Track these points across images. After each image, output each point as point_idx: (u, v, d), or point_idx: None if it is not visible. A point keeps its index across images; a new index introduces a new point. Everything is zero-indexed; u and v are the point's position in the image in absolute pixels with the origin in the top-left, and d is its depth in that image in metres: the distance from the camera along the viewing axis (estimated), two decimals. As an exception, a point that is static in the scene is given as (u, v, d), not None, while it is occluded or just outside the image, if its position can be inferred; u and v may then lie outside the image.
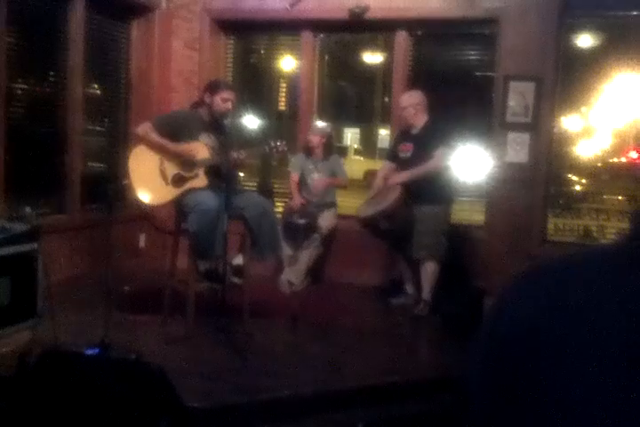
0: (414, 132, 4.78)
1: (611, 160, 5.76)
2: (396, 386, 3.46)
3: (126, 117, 5.82)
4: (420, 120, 4.75)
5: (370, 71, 6.74)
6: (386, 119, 6.91)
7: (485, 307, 4.15)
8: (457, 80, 5.53)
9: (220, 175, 3.95)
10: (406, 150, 4.78)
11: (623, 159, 5.78)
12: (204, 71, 5.84)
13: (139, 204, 4.28)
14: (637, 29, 5.13)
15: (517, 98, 5.12)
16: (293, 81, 6.27)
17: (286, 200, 5.73)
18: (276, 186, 6.02)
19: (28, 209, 3.75)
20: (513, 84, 5.13)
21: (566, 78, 5.21)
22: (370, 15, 5.39)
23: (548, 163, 5.21)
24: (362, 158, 14.57)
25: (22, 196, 4.54)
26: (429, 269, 4.73)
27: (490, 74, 5.36)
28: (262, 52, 6.53)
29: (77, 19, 4.99)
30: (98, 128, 5.82)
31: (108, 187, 3.92)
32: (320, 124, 5.73)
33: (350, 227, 5.27)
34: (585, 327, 0.54)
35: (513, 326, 0.58)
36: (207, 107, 4.14)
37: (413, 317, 4.65)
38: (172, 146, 4.03)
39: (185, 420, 2.75)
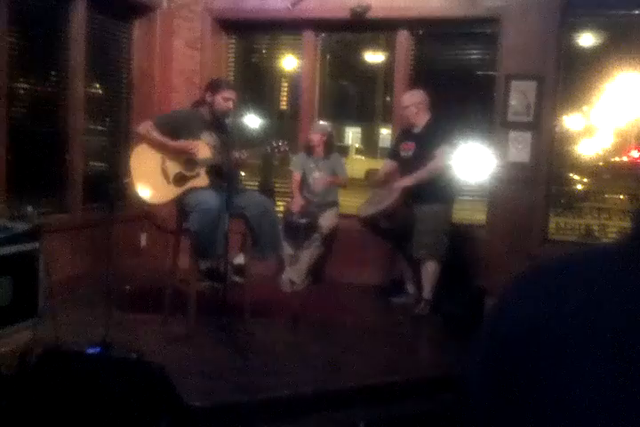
0: (416, 131, 4.78)
1: (612, 159, 5.75)
2: (396, 385, 3.47)
3: (128, 117, 5.82)
4: (421, 119, 4.75)
5: (371, 70, 6.74)
6: (387, 118, 6.91)
7: (486, 306, 4.15)
8: (458, 79, 5.52)
9: (222, 175, 3.95)
10: (408, 149, 4.78)
11: (625, 158, 5.78)
12: (206, 71, 5.84)
13: (140, 203, 4.29)
14: (639, 28, 5.13)
15: (519, 97, 5.11)
16: (295, 80, 6.27)
17: (287, 199, 5.74)
18: (277, 185, 6.02)
19: (29, 208, 3.75)
20: (514, 83, 5.12)
21: (568, 77, 5.21)
22: (371, 14, 5.39)
23: (549, 162, 5.20)
24: (363, 158, 14.55)
25: (24, 195, 4.54)
26: (430, 269, 4.72)
27: (491, 73, 5.36)
28: (264, 51, 6.53)
29: (79, 18, 4.99)
30: (99, 127, 5.82)
31: (110, 186, 3.93)
32: (321, 122, 5.73)
33: (351, 226, 5.27)
34: (585, 327, 0.53)
35: (514, 326, 0.57)
36: (208, 106, 4.15)
37: (414, 316, 4.65)
38: (173, 142, 4.03)
39: (186, 419, 2.75)
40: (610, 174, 5.59)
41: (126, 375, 2.64)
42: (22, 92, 4.91)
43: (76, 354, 2.90)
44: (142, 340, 3.77)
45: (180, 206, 4.08)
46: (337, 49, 6.42)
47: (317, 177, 5.53)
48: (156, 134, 4.05)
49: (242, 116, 5.99)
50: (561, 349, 0.53)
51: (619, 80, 5.10)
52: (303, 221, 5.29)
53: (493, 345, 0.59)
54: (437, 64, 5.75)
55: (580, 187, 5.65)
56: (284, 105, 6.78)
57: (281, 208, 5.52)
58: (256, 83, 6.47)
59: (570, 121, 5.48)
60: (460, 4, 5.21)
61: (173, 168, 4.06)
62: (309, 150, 5.55)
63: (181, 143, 4.03)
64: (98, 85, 5.72)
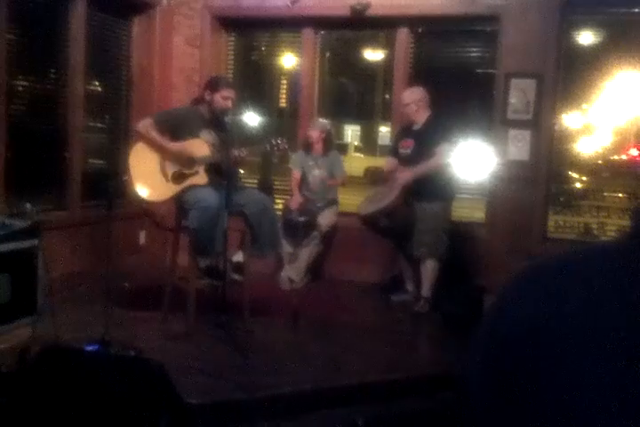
0: (416, 128, 4.77)
1: (611, 157, 5.75)
2: (396, 383, 3.47)
3: (127, 114, 5.81)
4: (421, 116, 4.74)
5: (371, 68, 6.73)
6: (386, 116, 6.91)
7: (485, 305, 4.15)
8: (458, 77, 5.52)
9: (221, 172, 3.95)
10: (407, 147, 4.78)
11: (624, 157, 5.77)
12: (205, 68, 5.84)
13: (139, 200, 4.29)
14: (639, 26, 5.13)
15: (518, 95, 5.11)
16: (294, 78, 6.26)
17: (287, 197, 5.74)
18: (276, 183, 6.02)
19: (28, 205, 3.74)
20: (514, 82, 5.12)
21: (567, 75, 5.20)
22: (371, 12, 5.39)
23: (548, 160, 5.20)
24: (362, 155, 14.55)
25: (23, 192, 4.54)
26: (429, 267, 4.73)
27: (491, 71, 5.36)
28: (263, 49, 6.52)
29: (78, 16, 4.98)
30: (99, 125, 5.81)
31: (109, 184, 3.92)
32: (320, 120, 5.72)
33: (350, 224, 5.27)
34: (585, 326, 0.53)
35: (513, 326, 0.57)
36: (207, 104, 4.14)
37: (413, 314, 4.66)
38: (171, 146, 4.03)
39: (185, 417, 2.75)
40: (609, 173, 5.59)
41: (125, 373, 2.64)
42: (22, 89, 4.91)
43: (75, 351, 2.90)
44: (141, 338, 3.77)
45: (179, 204, 4.08)
46: (336, 47, 6.42)
47: (317, 174, 5.53)
48: (155, 135, 4.05)
49: (241, 113, 5.99)
50: (561, 348, 0.53)
51: (618, 78, 5.10)
52: (302, 219, 5.29)
53: (493, 345, 0.59)
54: (437, 62, 5.75)
55: (579, 185, 5.65)
56: (283, 103, 6.78)
57: (280, 206, 5.52)
58: (255, 80, 6.47)
59: (569, 119, 5.47)
60: (459, 2, 5.21)
61: (172, 166, 4.06)
62: (308, 148, 5.55)
63: (178, 148, 4.01)
64: (97, 83, 5.71)
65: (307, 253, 5.30)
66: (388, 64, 6.00)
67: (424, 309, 4.70)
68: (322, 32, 5.92)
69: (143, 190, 4.07)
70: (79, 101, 5.08)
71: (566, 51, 5.19)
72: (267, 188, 5.64)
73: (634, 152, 5.74)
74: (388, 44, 5.91)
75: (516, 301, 0.60)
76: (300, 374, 3.41)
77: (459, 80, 5.50)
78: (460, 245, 4.93)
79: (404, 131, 4.96)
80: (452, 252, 4.78)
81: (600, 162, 5.68)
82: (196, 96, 4.47)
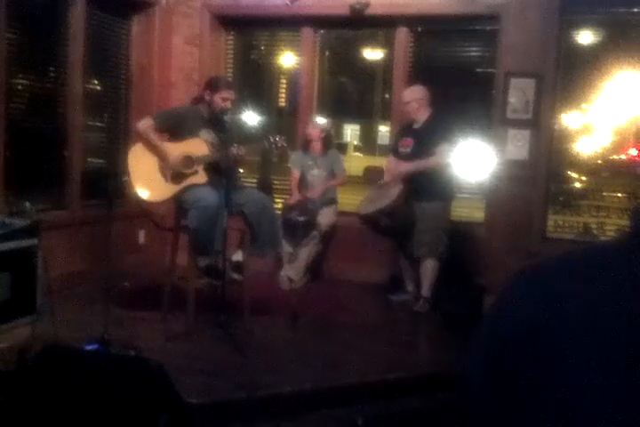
0: (416, 126, 4.77)
1: (611, 157, 5.75)
2: (395, 383, 3.47)
3: (126, 113, 5.81)
4: (422, 115, 4.73)
5: (370, 67, 6.73)
6: (386, 116, 6.91)
7: (485, 304, 4.15)
8: (457, 76, 5.51)
9: (220, 172, 3.95)
10: (406, 145, 4.77)
11: (623, 156, 5.78)
12: (205, 67, 5.84)
13: (138, 200, 4.28)
14: (639, 26, 5.12)
15: (518, 94, 5.11)
16: (293, 77, 6.26)
17: (286, 197, 5.73)
18: (275, 182, 6.02)
19: (27, 205, 3.75)
20: (513, 81, 5.12)
21: (567, 75, 5.20)
22: (370, 11, 5.38)
23: (548, 160, 5.20)
24: (361, 155, 14.55)
25: (22, 191, 4.54)
26: (429, 267, 4.73)
27: (490, 70, 5.35)
28: (262, 48, 6.52)
29: (77, 14, 4.98)
30: (98, 124, 5.81)
31: (108, 183, 3.92)
32: (320, 119, 5.72)
33: (350, 223, 5.27)
34: (585, 326, 0.53)
35: (513, 326, 0.57)
36: (207, 104, 4.15)
37: (413, 314, 4.66)
38: (167, 152, 4.01)
39: (184, 416, 2.75)
40: (608, 172, 5.59)
41: (124, 372, 2.64)
42: (21, 88, 4.91)
43: (75, 351, 2.90)
44: (141, 337, 3.77)
45: (179, 203, 4.08)
46: (336, 46, 6.42)
47: (316, 174, 5.53)
48: (153, 137, 4.05)
49: (240, 113, 5.99)
50: (561, 348, 0.53)
51: (618, 78, 5.10)
52: (302, 218, 5.29)
53: (493, 345, 0.59)
54: (436, 61, 5.75)
55: (578, 185, 5.65)
56: (282, 102, 6.78)
57: (279, 205, 5.52)
58: (255, 79, 6.47)
59: (569, 119, 5.47)
60: (459, 1, 5.21)
61: (171, 166, 4.06)
62: (306, 147, 5.55)
63: (174, 156, 4.01)
64: (97, 82, 5.71)
65: (306, 252, 5.30)
66: (387, 63, 5.99)
67: (424, 308, 4.70)
68: (321, 31, 5.91)
69: (142, 191, 4.06)
70: (78, 100, 5.08)
71: (566, 50, 5.19)
72: (266, 187, 5.64)
73: (633, 152, 5.74)
74: (388, 44, 5.91)
75: (516, 301, 0.60)
76: (300, 373, 3.41)
77: (458, 79, 5.50)
78: (459, 244, 4.93)
79: (404, 129, 4.96)
80: (452, 251, 4.78)
81: (599, 162, 5.68)
82: (195, 95, 4.47)
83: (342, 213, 5.56)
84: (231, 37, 6.17)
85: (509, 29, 5.10)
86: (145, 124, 4.09)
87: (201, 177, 4.01)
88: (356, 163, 11.63)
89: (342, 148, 11.92)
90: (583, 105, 5.47)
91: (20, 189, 4.57)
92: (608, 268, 0.57)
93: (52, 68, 5.09)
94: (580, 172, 5.64)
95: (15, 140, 4.55)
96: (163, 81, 5.90)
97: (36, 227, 3.60)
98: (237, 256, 4.95)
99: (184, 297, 3.99)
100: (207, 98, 4.13)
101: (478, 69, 5.66)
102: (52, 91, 5.04)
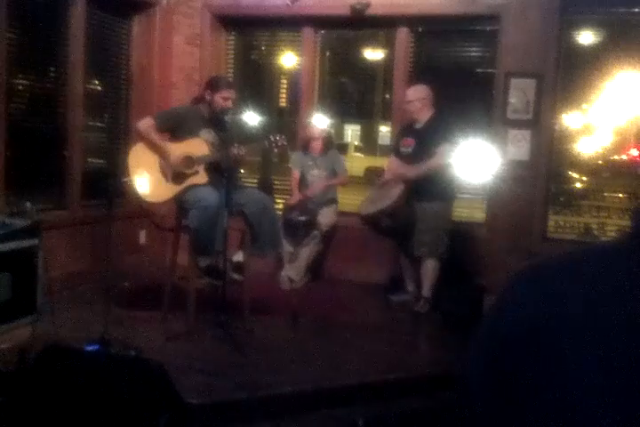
0: (417, 126, 4.76)
1: (611, 157, 5.74)
2: (396, 383, 3.47)
3: (127, 113, 5.81)
4: (424, 115, 4.72)
5: (371, 68, 6.72)
6: (387, 116, 6.90)
7: (485, 304, 4.15)
8: (458, 77, 5.51)
9: (221, 171, 3.94)
10: (408, 145, 4.77)
11: (624, 157, 5.77)
12: (205, 67, 5.84)
13: (139, 200, 4.28)
14: (639, 26, 5.12)
15: (518, 95, 5.11)
16: (294, 77, 6.26)
17: (287, 197, 5.73)
18: (276, 183, 6.02)
19: (28, 205, 3.74)
20: (514, 81, 5.12)
21: (567, 75, 5.20)
22: (371, 11, 5.38)
23: (548, 160, 5.20)
24: (362, 155, 14.53)
25: (23, 191, 4.54)
26: (430, 267, 4.72)
27: (491, 70, 5.35)
28: (263, 48, 6.52)
29: (78, 14, 4.98)
30: (98, 124, 5.81)
31: (109, 183, 3.92)
32: (320, 120, 5.71)
33: (350, 224, 5.27)
34: (585, 327, 0.53)
35: (513, 326, 0.57)
36: (207, 104, 4.15)
37: (413, 314, 4.65)
38: (169, 151, 4.01)
39: (184, 416, 2.75)
40: (609, 173, 5.59)
41: (125, 372, 2.64)
42: (21, 87, 4.91)
43: (75, 351, 2.90)
44: (141, 337, 3.77)
45: (180, 204, 4.08)
46: (336, 46, 6.41)
47: (316, 174, 5.53)
48: (155, 137, 4.05)
49: (241, 113, 5.99)
50: (561, 348, 0.53)
51: (618, 78, 5.10)
52: (302, 218, 5.29)
53: (493, 345, 0.59)
54: (437, 61, 5.75)
55: (579, 185, 5.64)
56: (283, 102, 6.78)
57: (280, 206, 5.52)
58: (255, 79, 6.47)
59: (569, 119, 5.47)
60: (459, 2, 5.21)
61: (172, 166, 4.06)
62: (306, 148, 5.55)
63: (175, 155, 4.01)
64: (97, 82, 5.71)
65: (307, 252, 5.30)
66: (388, 63, 5.99)
67: (424, 309, 4.69)
68: (322, 31, 5.91)
69: (143, 191, 4.06)
70: (79, 100, 5.08)
71: (566, 50, 5.19)
72: (267, 187, 5.64)
73: (634, 152, 5.74)
74: (388, 44, 5.91)
75: (517, 301, 0.60)
76: (301, 373, 3.41)
77: (459, 80, 5.50)
78: (460, 244, 4.93)
79: (405, 129, 4.95)
80: (453, 251, 4.78)
81: (600, 162, 5.67)
82: (196, 95, 4.47)
83: (343, 214, 5.56)
84: (232, 37, 6.17)
85: (510, 29, 5.09)
86: (145, 124, 4.09)
87: (202, 177, 4.01)
88: (356, 163, 11.61)
89: (343, 148, 11.90)
90: (584, 105, 5.47)
91: (21, 189, 4.57)
92: (608, 268, 0.57)
93: (52, 68, 5.09)
94: (580, 172, 5.64)
95: (16, 140, 4.55)
96: (163, 81, 5.90)
97: (37, 227, 3.60)
98: (238, 256, 4.95)
99: (184, 297, 3.99)
100: (208, 97, 4.13)
101: (479, 70, 5.66)
102: (53, 91, 5.04)
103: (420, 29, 5.59)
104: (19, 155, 4.64)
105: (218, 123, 4.13)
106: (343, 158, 5.90)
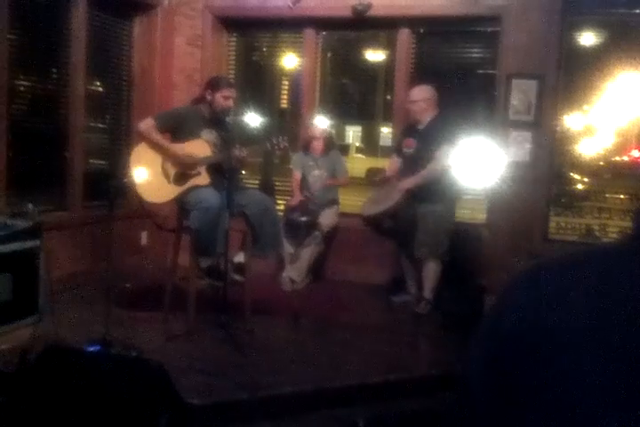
0: (420, 127, 4.75)
1: (613, 159, 5.74)
2: (396, 383, 3.47)
3: (128, 114, 5.82)
4: (427, 116, 4.70)
5: (372, 69, 6.73)
6: (388, 117, 6.90)
7: (486, 305, 4.15)
8: (459, 78, 5.51)
9: (222, 173, 3.94)
10: (409, 146, 4.76)
11: (625, 158, 5.77)
12: (206, 68, 5.84)
13: (140, 201, 4.29)
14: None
15: (520, 96, 5.11)
16: (295, 78, 6.26)
17: (288, 198, 5.74)
18: (277, 184, 6.02)
19: (29, 206, 3.75)
20: (515, 82, 5.12)
21: (569, 76, 5.20)
22: (372, 13, 5.38)
23: (550, 161, 5.20)
24: (363, 156, 14.52)
25: (24, 192, 4.54)
26: (431, 268, 4.72)
27: (492, 72, 5.35)
28: (264, 49, 6.53)
29: (80, 16, 4.99)
30: (100, 125, 5.82)
31: (110, 184, 3.92)
32: (321, 121, 5.72)
33: (352, 225, 5.27)
34: (586, 327, 0.53)
35: (514, 326, 0.57)
36: (208, 104, 4.15)
37: (414, 314, 4.65)
38: (172, 150, 4.02)
39: (185, 416, 2.75)
40: (611, 174, 5.59)
41: (126, 373, 2.64)
42: (23, 89, 4.91)
43: (76, 351, 2.91)
44: (142, 338, 3.77)
45: (181, 204, 4.08)
46: (338, 47, 6.42)
47: (317, 175, 5.53)
48: (156, 136, 4.05)
49: (242, 114, 5.99)
50: (561, 349, 0.53)
51: (620, 79, 5.10)
52: (303, 218, 5.29)
53: (494, 345, 0.59)
54: (438, 62, 5.74)
55: (580, 186, 5.64)
56: (284, 103, 6.78)
57: (281, 207, 5.52)
58: (257, 81, 6.47)
59: (571, 120, 5.47)
60: (461, 3, 5.21)
61: (174, 167, 4.06)
62: (307, 148, 5.55)
63: (180, 153, 4.01)
64: (98, 83, 5.72)
65: (308, 252, 5.30)
66: (389, 65, 6.00)
67: (425, 310, 4.69)
68: (323, 32, 5.92)
69: (145, 192, 4.06)
70: (80, 101, 5.08)
71: (567, 52, 5.19)
72: (268, 188, 5.64)
73: (635, 153, 5.74)
74: (390, 45, 5.91)
75: (517, 301, 0.60)
76: (301, 374, 3.41)
77: (460, 81, 5.50)
78: (461, 245, 4.92)
79: (407, 130, 4.94)
80: (454, 252, 4.77)
81: (602, 163, 5.67)
82: (196, 96, 4.47)
83: (344, 215, 5.57)
84: (233, 39, 6.17)
85: (511, 31, 5.09)
86: (146, 125, 4.09)
87: (203, 178, 4.01)
88: (357, 164, 11.61)
89: (344, 149, 11.90)
90: (585, 106, 5.47)
91: (22, 190, 4.58)
92: (610, 269, 0.57)
93: (53, 70, 5.10)
94: (582, 173, 5.63)
95: (17, 141, 4.56)
96: (164, 82, 5.91)
97: (38, 228, 3.60)
98: (239, 257, 4.95)
99: (185, 298, 3.99)
100: (208, 97, 4.13)
101: (480, 71, 5.66)
102: (54, 92, 5.05)
103: (422, 30, 5.60)
104: (20, 156, 4.65)
105: (219, 123, 4.13)
106: (344, 159, 5.90)
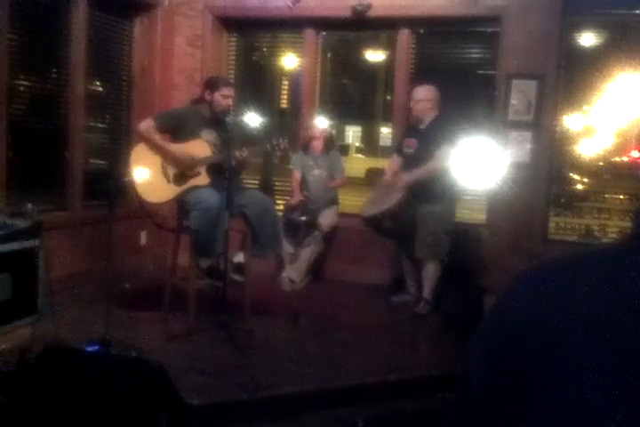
0: (421, 127, 4.74)
1: (612, 159, 5.74)
2: (396, 383, 3.47)
3: (128, 114, 5.82)
4: (429, 116, 4.70)
5: (372, 69, 6.73)
6: (388, 117, 6.91)
7: (486, 305, 4.15)
8: (459, 78, 5.51)
9: (222, 172, 3.94)
10: (410, 146, 4.77)
11: (625, 158, 5.77)
12: (206, 68, 5.84)
13: (140, 201, 4.29)
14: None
15: (520, 96, 5.11)
16: (295, 79, 6.26)
17: (288, 198, 5.74)
18: (277, 184, 6.03)
19: (29, 205, 3.75)
20: (515, 83, 5.12)
21: (568, 77, 5.20)
22: (372, 13, 5.39)
23: (549, 162, 5.20)
24: (363, 156, 14.53)
25: (24, 192, 4.54)
26: (431, 269, 4.72)
27: (492, 72, 5.35)
28: (264, 49, 6.53)
29: (80, 16, 4.99)
30: (100, 125, 5.81)
31: (110, 184, 3.92)
32: (321, 121, 5.72)
33: (351, 225, 5.27)
34: (587, 327, 0.53)
35: (514, 327, 0.57)
36: (208, 104, 4.14)
37: (414, 315, 4.65)
38: (172, 150, 4.02)
39: (184, 417, 2.75)
40: (610, 174, 5.59)
41: (125, 373, 2.64)
42: (23, 89, 4.91)
43: (76, 351, 2.90)
44: (142, 338, 3.77)
45: (181, 204, 4.08)
46: (338, 47, 6.42)
47: (317, 174, 5.53)
48: (156, 137, 4.05)
49: (242, 114, 5.99)
50: (562, 349, 0.53)
51: (619, 80, 5.10)
52: (303, 218, 5.30)
53: (494, 345, 0.59)
54: (438, 63, 5.74)
55: (580, 187, 5.64)
56: (284, 103, 6.78)
57: (281, 207, 5.52)
58: (257, 81, 6.47)
59: (570, 121, 5.47)
60: (461, 3, 5.21)
61: (174, 167, 4.06)
62: (306, 148, 5.55)
63: (180, 152, 4.01)
64: (98, 83, 5.71)
65: (308, 252, 5.30)
66: (389, 65, 6.00)
67: (425, 310, 4.69)
68: (323, 33, 5.92)
69: (145, 192, 4.06)
70: (80, 101, 5.08)
71: (567, 52, 5.19)
72: (267, 188, 5.64)
73: (635, 154, 5.74)
74: (390, 45, 5.91)
75: (518, 302, 0.60)
76: (301, 374, 3.40)
77: (460, 81, 5.49)
78: (461, 245, 4.92)
79: (409, 130, 4.95)
80: (454, 252, 4.77)
81: (601, 164, 5.67)
82: (195, 97, 4.47)
83: (344, 215, 5.57)
84: (233, 39, 6.17)
85: (511, 31, 5.10)
86: (146, 125, 4.09)
87: (203, 179, 4.01)
88: (357, 164, 11.62)
89: (344, 149, 11.91)
90: (585, 107, 5.47)
91: (22, 189, 4.58)
92: (609, 270, 0.57)
93: (53, 70, 5.10)
94: (581, 174, 5.63)
95: (17, 140, 4.56)
96: (164, 82, 5.91)
97: (38, 228, 3.60)
98: (239, 257, 4.95)
99: (185, 298, 4.00)
100: (208, 97, 4.13)
101: (480, 71, 5.66)
102: (54, 92, 5.05)
103: (422, 31, 5.60)
104: (20, 156, 4.65)
105: (219, 123, 4.13)
106: (343, 160, 5.90)
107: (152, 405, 2.56)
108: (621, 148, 5.69)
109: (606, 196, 5.48)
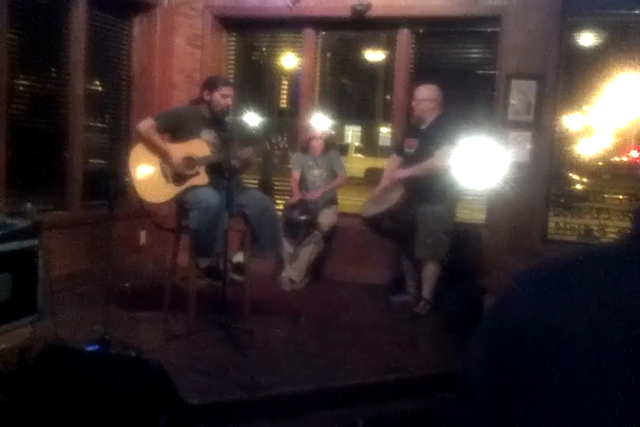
0: (423, 127, 4.74)
1: (612, 159, 5.74)
2: (396, 383, 3.47)
3: (128, 114, 5.82)
4: (431, 116, 4.69)
5: (372, 69, 6.73)
6: (387, 117, 6.91)
7: (486, 305, 4.15)
8: (459, 78, 5.50)
9: (222, 172, 3.94)
10: (411, 146, 4.76)
11: (624, 158, 5.77)
12: (206, 68, 5.84)
13: (140, 201, 4.29)
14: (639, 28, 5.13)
15: (519, 96, 5.11)
16: (295, 78, 6.26)
17: (287, 197, 5.74)
18: (276, 183, 6.03)
19: (29, 205, 3.74)
20: (515, 83, 5.12)
21: (568, 77, 5.20)
22: (372, 13, 5.39)
23: (549, 161, 5.20)
24: (362, 156, 14.53)
25: (23, 192, 4.54)
26: (430, 269, 4.72)
27: (492, 72, 5.35)
28: (264, 49, 6.53)
29: (79, 15, 4.99)
30: (99, 125, 5.81)
31: (110, 183, 3.92)
32: (320, 120, 5.72)
33: (351, 225, 5.27)
34: (587, 327, 0.54)
35: (514, 327, 0.58)
36: (207, 104, 4.14)
37: (414, 315, 4.65)
38: (171, 152, 4.01)
39: (184, 416, 2.75)
40: (610, 174, 5.59)
41: (125, 373, 2.64)
42: (22, 88, 4.91)
43: (76, 351, 2.90)
44: (142, 337, 3.77)
45: (181, 204, 4.08)
46: (337, 47, 6.42)
47: (316, 174, 5.53)
48: (155, 137, 4.04)
49: (242, 113, 5.99)
50: (562, 348, 0.54)
51: (619, 80, 5.10)
52: (303, 217, 5.30)
53: (494, 345, 0.59)
54: (438, 63, 5.74)
55: (579, 187, 5.64)
56: (283, 103, 6.78)
57: (281, 206, 5.52)
58: (256, 81, 6.47)
59: (570, 121, 5.47)
60: (460, 3, 5.21)
61: (172, 167, 4.06)
62: (306, 148, 5.55)
63: (175, 157, 4.01)
64: (98, 83, 5.71)
65: (307, 251, 5.30)
66: (388, 65, 6.00)
67: (424, 310, 4.69)
68: (323, 32, 5.92)
69: (144, 192, 4.06)
70: (80, 101, 5.08)
71: (567, 52, 5.19)
72: (267, 188, 5.64)
73: (634, 154, 5.74)
74: (389, 45, 5.91)
75: (517, 302, 0.60)
76: (301, 374, 3.41)
77: (460, 81, 5.49)
78: (461, 245, 4.92)
79: (410, 130, 4.95)
80: (454, 252, 4.77)
81: (601, 164, 5.67)
82: (195, 97, 4.47)
83: (343, 215, 5.57)
84: (233, 38, 6.17)
85: (511, 31, 5.10)
86: (146, 125, 4.08)
87: (202, 178, 4.01)
88: (357, 164, 11.62)
89: (343, 149, 11.90)
90: (584, 107, 5.47)
91: (22, 189, 4.58)
92: (609, 269, 0.57)
93: (53, 69, 5.10)
94: (581, 173, 5.63)
95: (17, 140, 4.56)
96: (164, 82, 5.91)
97: (37, 227, 3.59)
98: (238, 257, 4.95)
99: (185, 298, 4.00)
100: (207, 97, 4.13)
101: (480, 71, 5.66)
102: (54, 91, 5.05)
103: (422, 31, 5.60)
104: (20, 155, 4.65)
105: (218, 123, 4.13)
106: (343, 159, 5.90)
107: (152, 405, 2.56)
108: (621, 148, 5.69)
109: (606, 196, 5.49)
